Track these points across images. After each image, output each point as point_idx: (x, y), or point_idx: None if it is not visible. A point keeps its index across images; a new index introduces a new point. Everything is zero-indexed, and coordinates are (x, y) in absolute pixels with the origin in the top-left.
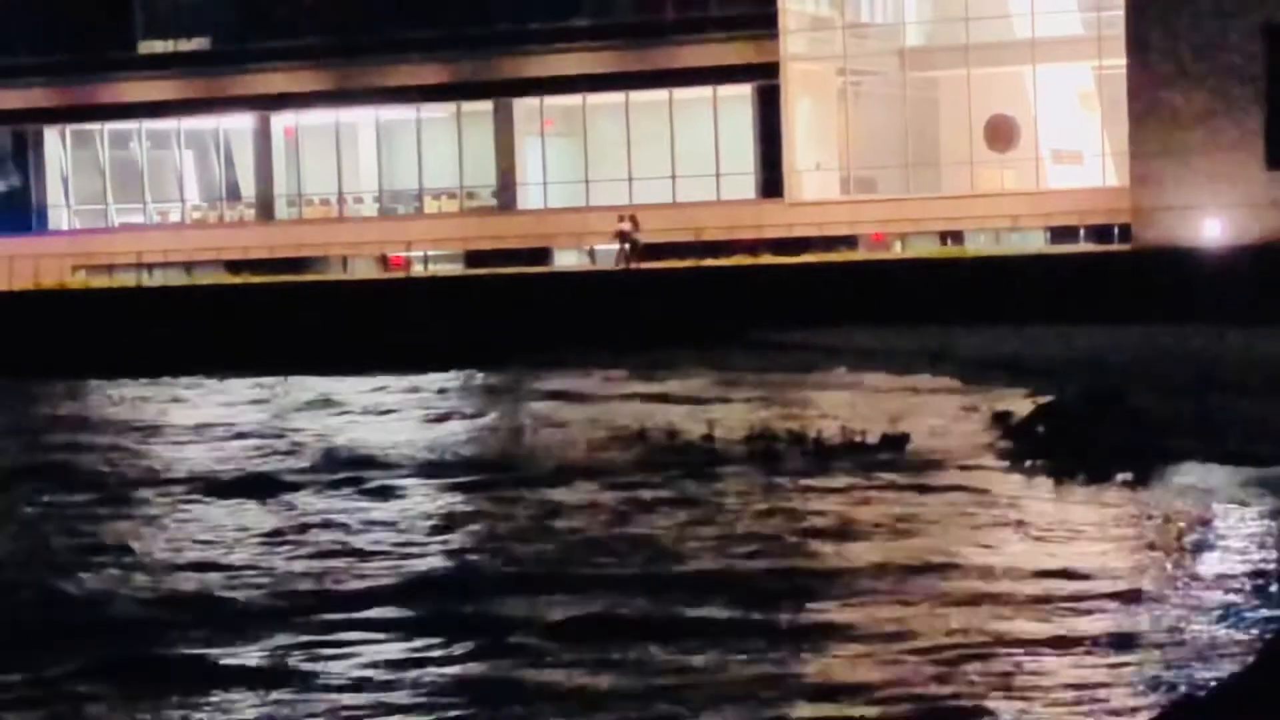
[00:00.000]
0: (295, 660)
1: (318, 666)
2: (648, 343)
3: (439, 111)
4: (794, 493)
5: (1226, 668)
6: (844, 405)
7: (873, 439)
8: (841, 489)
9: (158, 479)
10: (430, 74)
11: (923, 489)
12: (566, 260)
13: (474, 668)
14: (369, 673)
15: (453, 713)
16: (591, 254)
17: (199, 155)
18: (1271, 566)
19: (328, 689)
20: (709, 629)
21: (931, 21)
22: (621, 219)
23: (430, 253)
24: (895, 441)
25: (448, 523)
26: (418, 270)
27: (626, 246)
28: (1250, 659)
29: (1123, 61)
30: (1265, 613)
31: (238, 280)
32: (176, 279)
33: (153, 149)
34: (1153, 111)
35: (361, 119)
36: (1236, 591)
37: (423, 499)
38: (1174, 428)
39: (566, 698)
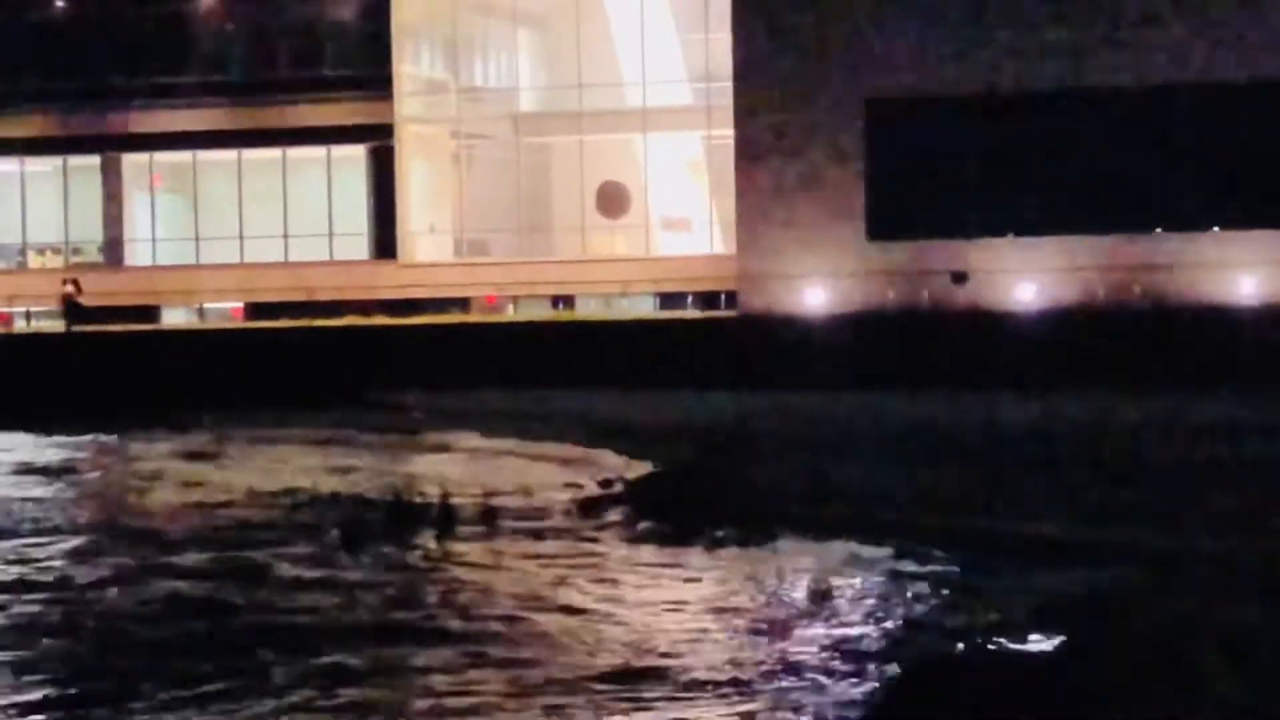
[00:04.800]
0: None
1: None
2: (257, 403)
3: (44, 165)
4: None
5: None
6: (443, 469)
7: (465, 503)
8: (429, 558)
9: None
10: (35, 126)
11: (516, 556)
12: (175, 318)
13: None
14: None
15: None
16: (201, 312)
17: None
18: (872, 635)
19: None
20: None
21: (545, 88)
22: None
23: (34, 309)
24: (490, 508)
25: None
26: (20, 326)
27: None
28: None
29: (730, 131)
30: (864, 683)
31: None
32: None
33: None
34: (758, 181)
35: None
36: (837, 660)
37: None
38: (779, 492)
39: None
